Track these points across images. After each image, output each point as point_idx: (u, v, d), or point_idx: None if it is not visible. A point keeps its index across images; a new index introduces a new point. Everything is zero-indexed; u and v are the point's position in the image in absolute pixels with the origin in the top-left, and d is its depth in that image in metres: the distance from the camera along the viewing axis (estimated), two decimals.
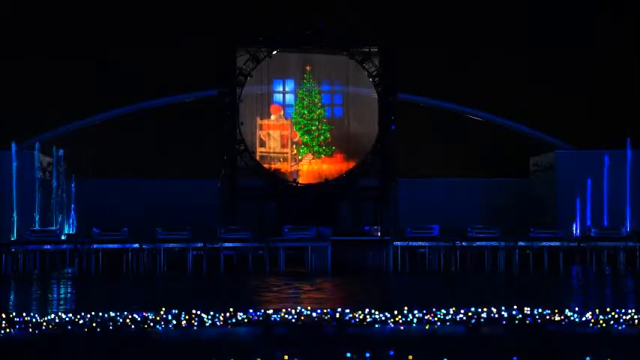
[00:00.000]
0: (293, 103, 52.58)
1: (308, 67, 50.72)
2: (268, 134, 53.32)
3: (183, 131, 47.89)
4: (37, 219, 40.67)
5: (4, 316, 17.70)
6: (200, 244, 37.68)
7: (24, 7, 45.17)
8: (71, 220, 41.76)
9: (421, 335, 14.96)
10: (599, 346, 13.73)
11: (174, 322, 17.20)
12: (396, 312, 18.14)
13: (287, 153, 53.34)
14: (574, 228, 42.45)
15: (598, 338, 14.23)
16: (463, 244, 38.19)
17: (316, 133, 52.09)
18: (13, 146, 40.97)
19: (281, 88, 52.59)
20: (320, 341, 14.33)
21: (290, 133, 52.66)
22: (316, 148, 51.88)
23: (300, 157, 52.19)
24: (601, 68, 45.57)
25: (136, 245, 37.16)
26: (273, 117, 53.66)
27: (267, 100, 52.12)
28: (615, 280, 34.25)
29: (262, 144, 51.84)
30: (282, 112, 53.57)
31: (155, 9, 47.63)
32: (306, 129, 52.04)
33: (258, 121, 51.69)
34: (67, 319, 17.69)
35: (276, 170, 49.03)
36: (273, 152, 52.71)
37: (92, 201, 43.96)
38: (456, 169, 48.65)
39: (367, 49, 48.07)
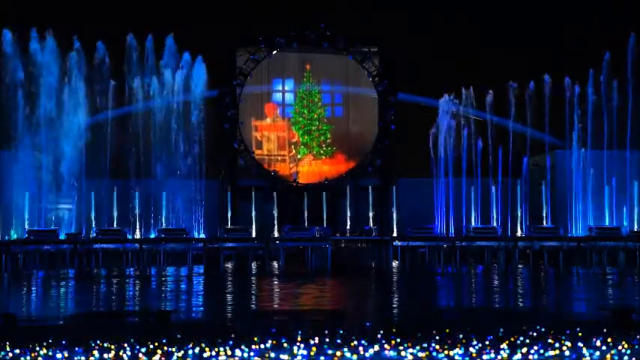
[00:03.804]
0: (292, 102, 51.56)
1: (308, 66, 50.16)
2: (264, 136, 52.09)
3: (183, 131, 47.83)
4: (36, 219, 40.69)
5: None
6: (200, 244, 37.68)
7: (24, 7, 45.20)
8: (71, 220, 41.75)
9: None
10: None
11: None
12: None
13: (285, 155, 51.99)
14: (573, 228, 42.45)
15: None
16: (463, 244, 38.19)
17: (316, 134, 51.11)
18: None
19: (280, 87, 51.37)
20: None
21: (287, 134, 51.60)
22: (316, 149, 50.87)
23: (299, 158, 51.25)
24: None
25: (136, 245, 37.17)
26: (268, 119, 52.04)
27: (264, 100, 51.10)
28: (615, 280, 34.28)
29: (259, 146, 50.53)
30: (277, 112, 52.19)
31: (155, 9, 47.63)
32: (306, 129, 50.94)
33: (253, 123, 50.42)
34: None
35: (275, 170, 48.91)
36: (270, 155, 51.29)
37: (92, 201, 43.88)
38: (455, 169, 48.58)
39: (367, 49, 48.09)
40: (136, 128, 43.30)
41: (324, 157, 50.97)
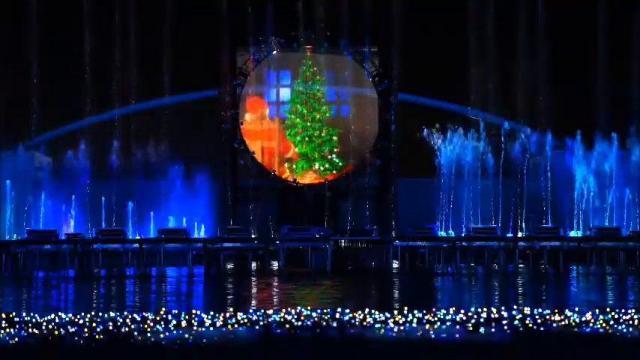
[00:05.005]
0: (288, 100, 45.30)
1: (308, 52, 45.21)
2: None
3: (183, 131, 47.89)
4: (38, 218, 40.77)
5: (4, 316, 17.70)
6: (200, 245, 37.72)
7: (23, 6, 45.17)
8: (72, 220, 41.80)
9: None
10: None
11: (175, 322, 17.20)
12: (396, 312, 18.16)
13: (272, 175, 42.81)
14: (573, 228, 42.48)
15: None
16: (463, 244, 38.25)
17: (319, 140, 44.29)
18: None
19: (275, 83, 45.68)
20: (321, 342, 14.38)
21: (278, 145, 44.83)
22: (319, 162, 44.55)
23: (295, 176, 44.19)
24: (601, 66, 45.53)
25: (136, 245, 37.22)
26: (248, 117, 44.14)
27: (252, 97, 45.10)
28: (615, 280, 34.32)
29: None
30: (265, 110, 45.40)
31: (154, 9, 47.59)
32: (305, 134, 44.46)
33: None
34: (67, 319, 17.70)
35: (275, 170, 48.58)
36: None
37: (92, 201, 43.92)
38: (455, 169, 48.59)
39: (367, 49, 48.01)
40: (135, 128, 43.39)
41: (329, 174, 43.84)
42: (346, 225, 44.51)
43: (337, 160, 43.54)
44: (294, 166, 43.28)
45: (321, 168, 42.83)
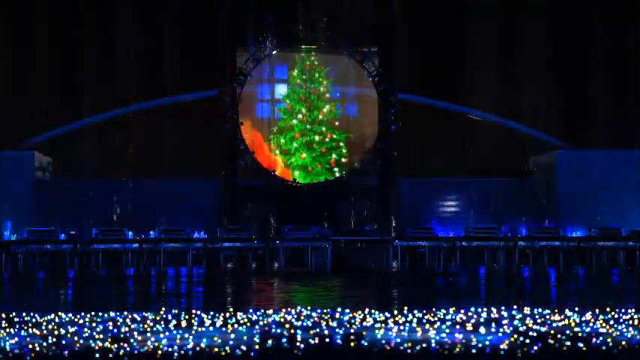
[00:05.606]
0: (282, 96, 39.60)
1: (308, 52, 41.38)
2: None
3: (183, 131, 47.96)
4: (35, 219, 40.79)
5: (4, 316, 17.70)
6: (200, 245, 37.75)
7: (23, 7, 45.19)
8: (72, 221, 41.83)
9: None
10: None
11: (175, 322, 17.19)
12: (396, 312, 18.18)
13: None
14: (573, 228, 42.53)
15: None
16: (463, 244, 38.31)
17: (322, 148, 38.71)
18: None
19: (268, 78, 40.55)
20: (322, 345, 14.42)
21: (258, 154, 40.21)
22: (323, 177, 39.72)
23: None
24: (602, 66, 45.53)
25: (136, 245, 37.24)
26: None
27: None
28: (615, 280, 34.35)
29: None
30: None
31: (154, 9, 47.66)
32: (305, 139, 38.83)
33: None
34: (67, 319, 17.71)
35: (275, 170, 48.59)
36: None
37: (92, 201, 43.96)
38: (456, 169, 48.66)
39: (367, 49, 48.00)
40: (135, 128, 43.42)
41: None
42: (346, 225, 44.51)
43: (344, 174, 36.34)
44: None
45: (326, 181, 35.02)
